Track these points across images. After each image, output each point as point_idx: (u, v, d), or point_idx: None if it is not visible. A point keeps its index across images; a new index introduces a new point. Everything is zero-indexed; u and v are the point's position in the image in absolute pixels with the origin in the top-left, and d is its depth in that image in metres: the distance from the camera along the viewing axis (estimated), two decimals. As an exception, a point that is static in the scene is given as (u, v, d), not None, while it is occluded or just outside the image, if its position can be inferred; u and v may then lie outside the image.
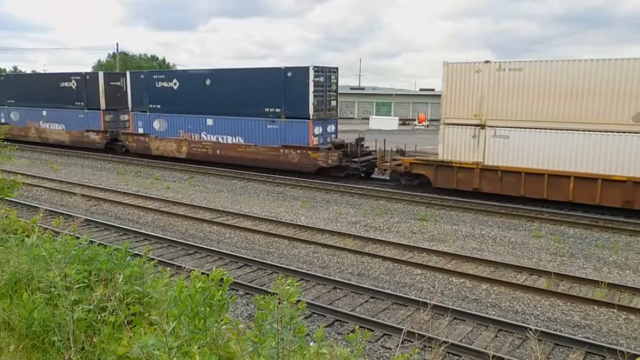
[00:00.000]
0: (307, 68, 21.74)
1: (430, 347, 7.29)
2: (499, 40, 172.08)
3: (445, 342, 6.85)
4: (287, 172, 22.57)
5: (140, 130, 27.62)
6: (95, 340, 4.20)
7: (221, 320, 3.95)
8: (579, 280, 10.60)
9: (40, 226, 6.50)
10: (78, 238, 5.49)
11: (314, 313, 8.86)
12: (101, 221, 14.51)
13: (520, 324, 8.41)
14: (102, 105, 29.82)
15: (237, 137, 24.03)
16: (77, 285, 4.40)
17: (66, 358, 4.05)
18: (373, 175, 22.98)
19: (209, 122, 24.83)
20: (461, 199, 18.17)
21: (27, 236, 5.82)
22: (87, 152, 30.46)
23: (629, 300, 9.61)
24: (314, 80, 21.67)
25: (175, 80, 26.00)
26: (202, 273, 4.31)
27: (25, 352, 4.38)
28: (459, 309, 9.03)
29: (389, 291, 9.87)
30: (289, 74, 22.10)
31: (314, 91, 21.80)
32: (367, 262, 11.71)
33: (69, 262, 4.83)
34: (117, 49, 63.22)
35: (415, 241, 13.44)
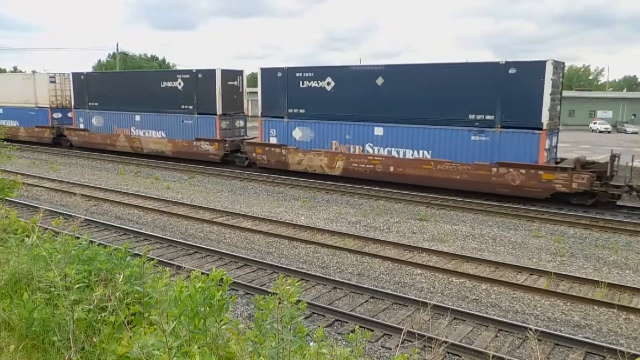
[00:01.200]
0: (541, 63, 16.91)
1: (430, 347, 7.29)
2: (499, 40, 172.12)
3: (445, 342, 6.85)
4: (499, 197, 18.19)
5: (273, 140, 22.90)
6: (95, 340, 4.20)
7: (221, 320, 3.95)
8: (579, 280, 10.60)
9: (40, 226, 6.49)
10: (78, 238, 5.49)
11: (314, 313, 8.86)
12: (101, 221, 14.51)
13: (520, 324, 8.41)
14: (219, 110, 24.64)
15: (421, 151, 19.29)
16: (77, 285, 4.40)
17: (66, 358, 4.05)
18: (620, 202, 17.31)
19: (378, 131, 20.21)
20: (461, 199, 18.17)
21: (27, 236, 5.82)
22: (190, 163, 25.62)
23: (629, 300, 9.61)
24: (551, 79, 16.94)
25: (329, 79, 21.25)
26: (202, 273, 4.31)
27: (25, 352, 4.39)
28: (459, 309, 9.03)
29: (389, 291, 9.87)
30: (512, 70, 17.37)
31: (551, 93, 17.09)
32: (367, 262, 11.71)
33: (69, 262, 4.83)
34: (117, 49, 63.28)
35: (415, 241, 13.44)
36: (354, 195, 19.29)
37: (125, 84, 29.13)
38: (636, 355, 6.46)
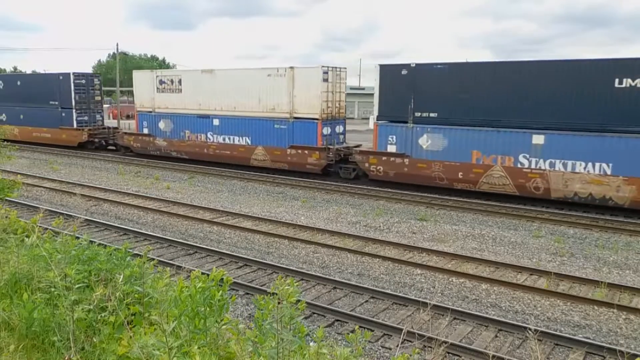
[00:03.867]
0: None
1: (430, 347, 7.29)
2: (499, 40, 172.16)
3: (445, 342, 6.85)
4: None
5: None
6: (95, 340, 4.20)
7: (221, 320, 3.95)
8: (579, 280, 10.60)
9: (40, 226, 6.49)
10: (78, 238, 5.49)
11: (314, 313, 8.86)
12: (101, 221, 14.51)
13: (520, 324, 8.41)
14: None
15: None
16: (77, 285, 4.40)
17: (66, 358, 4.05)
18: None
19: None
20: (461, 199, 18.17)
21: (27, 236, 5.82)
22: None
23: (629, 300, 9.61)
24: None
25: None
26: (202, 273, 4.31)
27: (25, 352, 4.39)
28: (459, 309, 9.03)
29: (389, 291, 9.86)
30: None
31: None
32: (367, 262, 11.71)
33: (69, 262, 4.83)
34: (117, 49, 63.23)
35: (415, 241, 13.44)
36: (354, 195, 19.29)
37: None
38: (636, 355, 6.46)
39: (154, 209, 16.33)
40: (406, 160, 19.54)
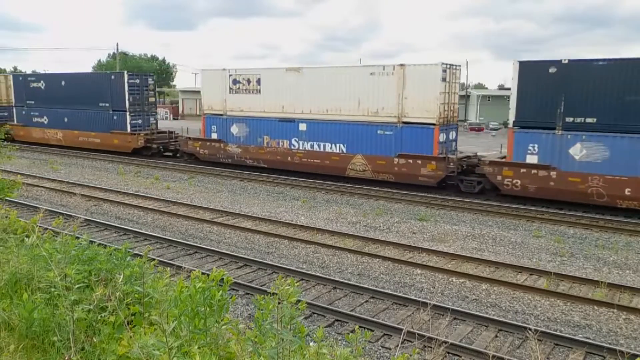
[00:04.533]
0: None
1: (430, 347, 7.29)
2: (499, 40, 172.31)
3: (445, 342, 6.84)
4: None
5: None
6: (95, 340, 4.20)
7: (221, 320, 3.95)
8: (579, 280, 10.60)
9: (40, 226, 6.49)
10: (78, 238, 5.49)
11: (314, 313, 8.85)
12: (101, 221, 14.51)
13: (520, 324, 8.41)
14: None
15: None
16: (77, 285, 4.40)
17: (66, 358, 4.05)
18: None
19: None
20: (461, 199, 18.17)
21: (27, 236, 5.82)
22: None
23: (629, 300, 9.61)
24: None
25: None
26: (202, 273, 4.31)
27: (25, 352, 4.38)
28: (459, 309, 9.03)
29: (389, 291, 9.86)
30: None
31: None
32: (367, 262, 11.71)
33: (69, 262, 4.83)
34: (117, 49, 63.24)
35: (415, 241, 13.44)
36: (354, 195, 19.29)
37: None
38: (636, 355, 6.46)
39: (154, 209, 16.33)
40: (553, 173, 16.76)
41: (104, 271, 4.89)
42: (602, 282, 10.20)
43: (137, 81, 28.18)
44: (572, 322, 8.83)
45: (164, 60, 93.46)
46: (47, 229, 7.04)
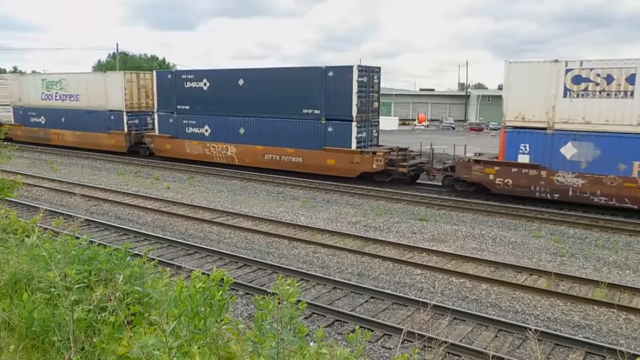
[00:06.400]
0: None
1: (430, 347, 7.28)
2: (499, 40, 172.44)
3: (445, 342, 6.84)
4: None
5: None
6: (95, 340, 4.20)
7: (221, 320, 3.95)
8: (579, 280, 10.60)
9: (40, 226, 6.49)
10: (78, 238, 5.49)
11: (314, 313, 8.85)
12: (101, 221, 14.51)
13: (520, 324, 8.41)
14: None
15: None
16: (77, 285, 4.40)
17: (66, 358, 4.05)
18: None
19: None
20: (461, 199, 18.16)
21: (27, 236, 5.82)
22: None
23: (629, 300, 9.61)
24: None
25: None
26: (202, 273, 4.31)
27: (25, 352, 4.38)
28: (459, 309, 9.03)
29: (389, 291, 9.86)
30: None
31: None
32: (367, 262, 11.71)
33: (69, 262, 4.83)
34: (117, 49, 63.27)
35: (415, 241, 13.44)
36: (354, 195, 19.28)
37: None
38: (636, 355, 6.46)
39: (154, 209, 16.33)
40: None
41: (104, 271, 4.89)
42: (602, 282, 10.20)
43: (365, 79, 20.82)
44: (572, 322, 8.83)
45: (163, 60, 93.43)
46: (47, 229, 7.04)
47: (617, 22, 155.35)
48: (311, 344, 3.93)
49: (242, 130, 23.61)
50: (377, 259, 11.81)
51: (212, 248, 12.33)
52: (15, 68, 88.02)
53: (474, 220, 15.85)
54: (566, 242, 13.56)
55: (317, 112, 21.40)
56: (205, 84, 24.55)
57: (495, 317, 8.76)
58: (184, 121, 25.54)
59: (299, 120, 21.87)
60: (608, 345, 7.72)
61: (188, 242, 12.76)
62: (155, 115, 26.72)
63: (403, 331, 6.21)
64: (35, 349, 4.44)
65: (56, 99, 31.76)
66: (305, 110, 21.66)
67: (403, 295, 9.59)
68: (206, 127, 24.83)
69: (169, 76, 26.05)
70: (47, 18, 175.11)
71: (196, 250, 12.26)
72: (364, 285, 10.05)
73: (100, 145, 29.70)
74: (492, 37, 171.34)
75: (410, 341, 7.44)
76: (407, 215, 16.28)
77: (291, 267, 11.12)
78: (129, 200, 17.74)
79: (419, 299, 9.31)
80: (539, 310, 9.29)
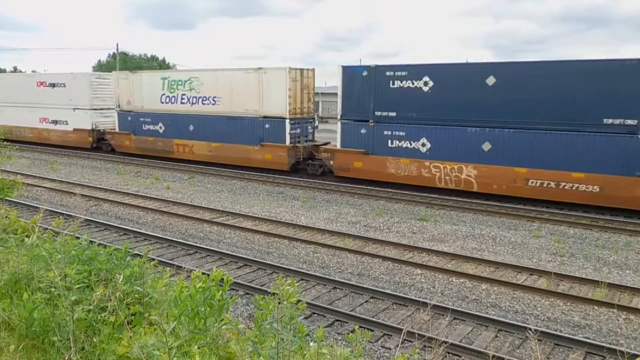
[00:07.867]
0: None
1: (430, 347, 7.29)
2: (499, 40, 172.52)
3: (445, 342, 6.85)
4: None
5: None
6: (95, 340, 4.20)
7: (221, 320, 3.95)
8: (579, 280, 10.60)
9: (40, 226, 6.49)
10: (78, 238, 5.49)
11: (314, 313, 8.86)
12: (101, 221, 14.51)
13: (520, 324, 8.41)
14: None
15: None
16: (77, 286, 4.40)
17: (66, 358, 4.05)
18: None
19: None
20: (461, 199, 18.16)
21: (27, 236, 5.83)
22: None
23: (629, 300, 9.61)
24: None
25: None
26: (202, 273, 4.31)
27: (25, 352, 4.39)
28: (459, 309, 9.03)
29: (389, 291, 9.86)
30: None
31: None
32: (367, 262, 11.71)
33: (69, 262, 4.83)
34: (117, 49, 63.19)
35: (415, 241, 13.44)
36: (354, 195, 19.28)
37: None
38: (636, 355, 6.46)
39: (154, 209, 16.33)
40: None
41: (104, 271, 4.89)
42: (602, 282, 10.20)
43: None
44: (572, 322, 8.83)
45: (164, 60, 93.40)
46: (47, 229, 7.04)
47: (617, 22, 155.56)
48: (311, 344, 3.93)
49: (486, 146, 17.65)
50: (377, 259, 11.81)
51: (212, 248, 12.33)
52: (15, 68, 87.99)
53: (474, 220, 15.85)
54: (566, 242, 13.56)
55: (630, 122, 15.25)
56: (425, 84, 18.64)
57: (495, 317, 8.76)
58: (385, 132, 19.62)
59: (595, 135, 15.78)
60: (608, 345, 7.72)
61: (188, 242, 12.76)
62: (339, 124, 20.81)
63: (403, 331, 6.21)
64: (35, 348, 4.44)
65: (182, 102, 25.49)
66: (606, 120, 15.56)
67: (403, 295, 9.59)
68: (423, 140, 18.94)
69: (364, 73, 19.77)
70: (48, 18, 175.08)
71: (196, 250, 12.26)
72: (364, 285, 10.05)
73: (248, 160, 23.57)
74: (492, 37, 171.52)
75: (410, 341, 7.44)
76: (407, 215, 16.28)
77: (291, 267, 11.12)
78: (129, 200, 17.75)
79: (419, 299, 9.31)
80: (539, 310, 9.29)
